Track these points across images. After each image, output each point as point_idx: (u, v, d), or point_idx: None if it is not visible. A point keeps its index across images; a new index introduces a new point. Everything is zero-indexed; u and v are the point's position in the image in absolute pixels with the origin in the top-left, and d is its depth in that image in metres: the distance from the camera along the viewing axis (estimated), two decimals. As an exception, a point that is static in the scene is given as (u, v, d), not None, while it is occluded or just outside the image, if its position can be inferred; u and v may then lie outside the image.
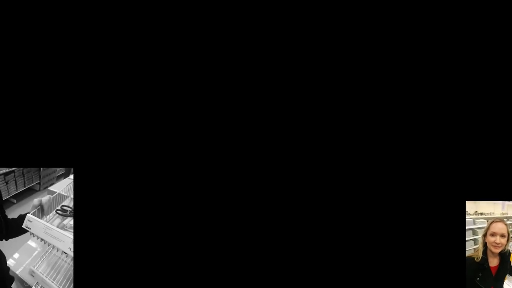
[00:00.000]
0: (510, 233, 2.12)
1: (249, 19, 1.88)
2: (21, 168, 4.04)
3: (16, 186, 4.10)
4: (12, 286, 2.17)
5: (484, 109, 1.90)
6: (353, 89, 1.88)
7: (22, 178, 4.15)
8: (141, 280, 1.84)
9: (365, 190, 1.88)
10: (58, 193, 2.29)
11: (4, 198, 2.82)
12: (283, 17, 1.88)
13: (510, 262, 2.15)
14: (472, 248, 2.10)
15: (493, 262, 2.09)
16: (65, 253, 1.84)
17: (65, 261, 2.15)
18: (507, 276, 2.16)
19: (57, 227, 1.93)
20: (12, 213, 2.15)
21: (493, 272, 2.09)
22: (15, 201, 4.14)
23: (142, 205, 1.85)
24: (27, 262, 2.61)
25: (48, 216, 2.17)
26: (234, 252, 1.85)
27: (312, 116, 1.87)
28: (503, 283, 2.12)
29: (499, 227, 2.08)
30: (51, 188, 2.81)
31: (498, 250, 2.08)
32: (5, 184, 3.82)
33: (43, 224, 1.92)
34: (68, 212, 2.12)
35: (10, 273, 2.24)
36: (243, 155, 1.87)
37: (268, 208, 1.86)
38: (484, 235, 2.10)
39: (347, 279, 1.87)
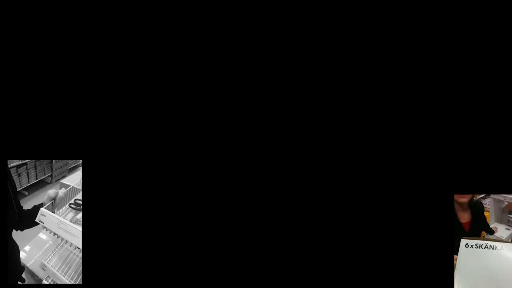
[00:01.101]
0: None
1: (249, 19, 1.87)
2: (33, 161, 4.06)
3: (28, 179, 4.11)
4: (22, 276, 2.17)
5: (471, 103, 1.87)
6: (341, 83, 1.86)
7: (34, 170, 4.16)
8: (150, 274, 1.83)
9: (353, 184, 1.86)
10: (72, 187, 2.28)
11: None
12: (282, 17, 1.87)
13: (483, 216, 1.95)
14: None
15: (464, 217, 1.90)
16: (79, 248, 1.82)
17: (77, 255, 2.14)
18: (485, 234, 1.97)
19: (70, 221, 1.92)
20: (24, 205, 2.14)
21: (466, 228, 1.90)
22: (27, 193, 4.15)
23: (150, 198, 1.84)
24: (38, 255, 2.61)
25: (61, 210, 2.16)
26: (243, 236, 1.84)
27: (299, 109, 1.85)
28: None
29: None
30: (63, 181, 2.81)
31: (464, 199, 1.87)
32: (17, 176, 3.84)
33: (57, 218, 1.91)
34: (81, 206, 2.11)
35: (21, 265, 2.24)
36: (255, 142, 1.85)
37: (263, 202, 1.85)
38: None
39: (334, 268, 1.85)
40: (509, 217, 2.20)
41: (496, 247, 1.71)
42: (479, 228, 1.92)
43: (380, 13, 1.87)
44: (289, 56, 1.87)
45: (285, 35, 1.87)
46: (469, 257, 1.73)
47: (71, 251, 2.28)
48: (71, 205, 2.19)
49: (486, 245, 1.73)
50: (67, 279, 2.01)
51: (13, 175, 3.16)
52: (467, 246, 1.75)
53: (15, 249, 2.04)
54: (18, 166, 3.80)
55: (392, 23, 1.87)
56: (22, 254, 2.58)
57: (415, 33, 1.87)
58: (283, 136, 1.86)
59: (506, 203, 2.20)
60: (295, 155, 1.86)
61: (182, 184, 1.85)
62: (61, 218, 1.90)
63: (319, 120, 1.86)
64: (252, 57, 1.87)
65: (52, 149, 1.84)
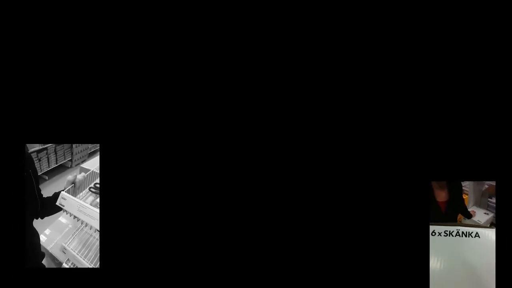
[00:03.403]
0: None
1: (250, 19, 1.84)
2: (53, 146, 4.08)
3: (48, 163, 4.14)
4: (43, 262, 2.18)
5: (447, 90, 1.83)
6: (321, 73, 1.83)
7: (54, 155, 4.19)
8: (167, 256, 1.82)
9: (331, 172, 1.83)
10: (92, 171, 2.29)
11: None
12: (282, 17, 1.84)
13: (461, 198, 1.84)
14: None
15: (441, 195, 1.80)
16: (98, 230, 1.82)
17: (97, 239, 2.14)
18: (462, 218, 1.84)
19: (90, 204, 1.92)
20: (44, 190, 2.15)
21: (442, 207, 1.79)
22: (47, 177, 4.19)
23: (168, 181, 1.83)
24: (58, 239, 2.63)
25: (81, 194, 2.17)
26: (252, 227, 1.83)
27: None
28: (455, 221, 1.78)
29: None
30: (83, 165, 2.82)
31: None
32: (38, 161, 3.86)
33: (77, 202, 1.91)
34: (101, 190, 2.11)
35: (41, 249, 2.25)
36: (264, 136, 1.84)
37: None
38: None
39: (316, 256, 1.83)
40: (489, 201, 2.05)
41: (471, 234, 1.58)
42: (456, 210, 1.79)
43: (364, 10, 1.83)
44: (283, 57, 1.84)
45: (281, 35, 1.84)
46: (438, 245, 1.60)
47: (91, 235, 2.29)
48: (91, 189, 2.20)
49: (458, 232, 1.60)
50: (87, 262, 2.01)
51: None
52: (433, 234, 1.62)
53: (35, 236, 2.05)
54: (38, 151, 3.83)
55: (374, 17, 1.84)
56: (42, 238, 2.60)
57: (393, 19, 1.84)
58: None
59: (487, 186, 2.07)
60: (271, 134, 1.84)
61: (200, 168, 1.84)
62: (81, 201, 1.90)
63: (297, 106, 1.84)
64: (252, 57, 1.85)
65: (70, 133, 1.83)
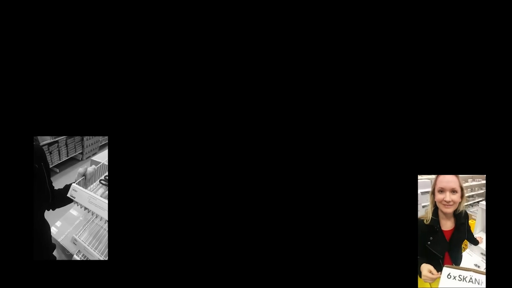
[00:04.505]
0: (464, 189, 1.77)
1: (250, 19, 1.84)
2: (65, 139, 4.11)
3: (59, 156, 4.17)
4: (54, 253, 2.20)
5: (435, 84, 1.82)
6: (308, 67, 1.83)
7: (65, 148, 4.23)
8: (176, 248, 1.83)
9: (318, 165, 1.82)
10: (102, 163, 2.30)
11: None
12: (281, 16, 1.84)
13: (467, 225, 1.79)
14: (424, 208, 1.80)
15: (446, 225, 1.76)
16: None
17: (107, 231, 2.16)
18: (468, 244, 1.82)
19: (101, 196, 1.93)
20: (55, 182, 2.16)
21: (447, 236, 1.75)
22: (58, 170, 4.23)
23: (176, 173, 1.84)
24: (69, 231, 2.65)
25: (91, 186, 2.18)
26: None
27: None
28: (459, 248, 1.76)
29: (447, 181, 1.73)
30: (94, 158, 2.84)
31: (449, 210, 1.74)
32: (49, 154, 3.89)
33: (88, 193, 1.92)
34: (111, 183, 2.12)
35: (52, 240, 2.27)
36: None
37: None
38: (433, 193, 1.77)
39: (299, 249, 1.83)
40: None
41: (479, 282, 1.61)
42: (462, 237, 1.78)
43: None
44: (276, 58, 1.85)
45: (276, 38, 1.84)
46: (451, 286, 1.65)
47: (101, 226, 2.31)
48: (101, 181, 2.21)
49: (471, 278, 1.63)
50: (98, 254, 2.03)
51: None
52: (449, 277, 1.65)
53: (46, 228, 2.06)
54: (49, 144, 3.86)
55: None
56: (53, 230, 2.62)
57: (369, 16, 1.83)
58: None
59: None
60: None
61: (208, 161, 1.84)
62: (91, 193, 1.91)
63: (288, 101, 1.84)
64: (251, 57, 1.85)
65: (78, 125, 1.84)
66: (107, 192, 2.11)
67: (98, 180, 2.23)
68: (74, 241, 2.19)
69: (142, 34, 1.84)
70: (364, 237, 1.82)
